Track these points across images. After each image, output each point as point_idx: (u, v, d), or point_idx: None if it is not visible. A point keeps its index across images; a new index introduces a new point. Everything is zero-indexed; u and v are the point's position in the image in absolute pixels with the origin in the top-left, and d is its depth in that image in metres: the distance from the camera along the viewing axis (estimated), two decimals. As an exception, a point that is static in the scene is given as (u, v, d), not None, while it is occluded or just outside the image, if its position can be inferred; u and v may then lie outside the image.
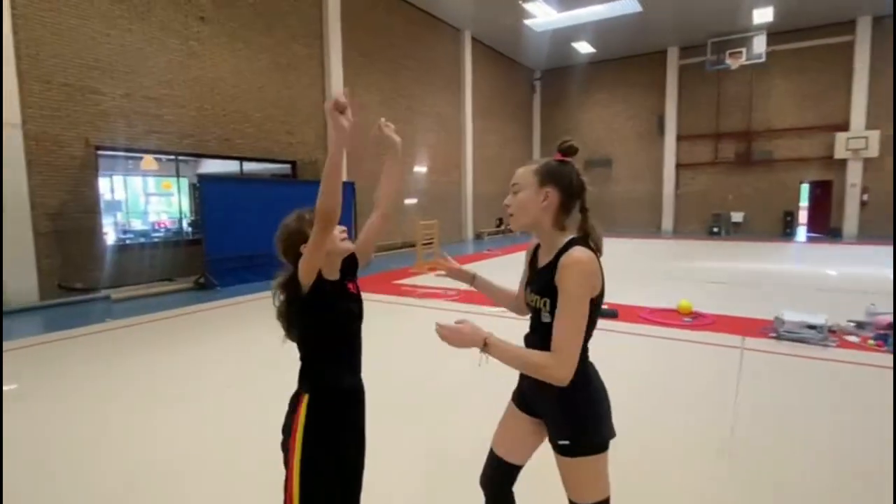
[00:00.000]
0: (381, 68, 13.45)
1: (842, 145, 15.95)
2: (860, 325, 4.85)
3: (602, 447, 1.37)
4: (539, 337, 1.40)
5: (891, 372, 3.77)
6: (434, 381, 3.89)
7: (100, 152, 7.89)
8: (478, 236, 17.89)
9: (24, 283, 6.86)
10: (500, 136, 19.72)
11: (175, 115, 8.80)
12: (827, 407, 3.31)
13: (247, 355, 4.66)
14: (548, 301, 1.36)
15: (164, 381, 4.01)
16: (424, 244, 10.19)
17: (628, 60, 19.84)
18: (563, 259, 1.31)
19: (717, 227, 18.26)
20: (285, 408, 1.55)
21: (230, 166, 10.70)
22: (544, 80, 22.14)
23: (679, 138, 19.20)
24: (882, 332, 4.57)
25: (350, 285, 1.59)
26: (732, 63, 16.72)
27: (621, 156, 20.60)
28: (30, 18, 6.94)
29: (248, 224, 8.75)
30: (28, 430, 3.08)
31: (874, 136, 15.59)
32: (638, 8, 14.45)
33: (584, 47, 18.27)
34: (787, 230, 17.26)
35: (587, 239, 1.39)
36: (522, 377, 1.53)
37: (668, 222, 19.58)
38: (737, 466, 2.56)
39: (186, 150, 9.14)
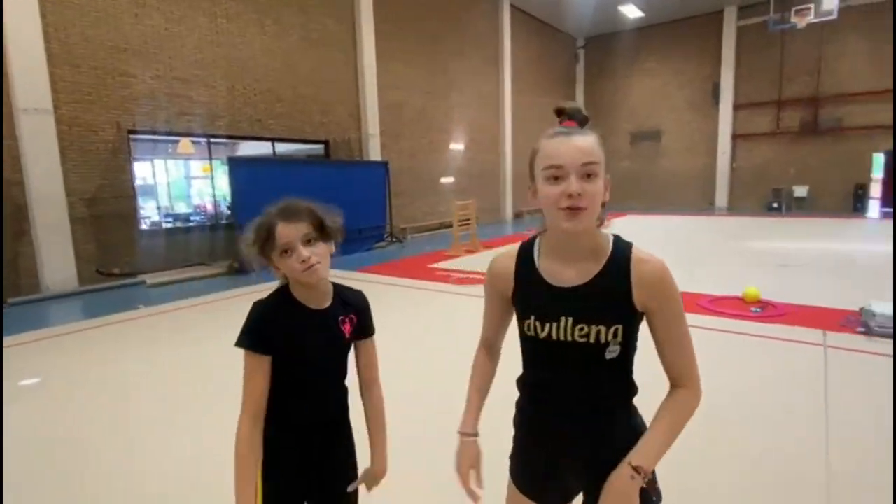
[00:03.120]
0: (417, 41, 12.90)
1: (926, 109, 14.31)
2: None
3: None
4: (597, 383, 1.04)
5: None
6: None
7: (132, 136, 7.83)
8: (517, 215, 17.27)
9: (63, 270, 6.90)
10: (541, 109, 18.81)
11: (205, 96, 8.63)
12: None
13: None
14: (619, 329, 0.99)
15: (189, 371, 3.82)
16: (461, 225, 9.77)
17: (680, 24, 18.45)
18: (647, 267, 0.98)
19: (776, 203, 16.95)
20: None
21: (265, 148, 10.53)
22: (588, 49, 20.96)
23: (736, 107, 17.81)
24: None
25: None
26: (799, 21, 15.09)
27: (672, 128, 19.37)
28: (57, 2, 6.82)
29: (281, 207, 8.57)
30: (49, 420, 2.92)
31: (966, 98, 13.90)
32: (693, -36, 13.24)
33: (631, 11, 17.06)
34: (857, 205, 15.79)
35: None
36: (548, 444, 1.11)
37: (722, 198, 18.34)
38: (839, 507, 2.07)
39: (218, 132, 8.98)
